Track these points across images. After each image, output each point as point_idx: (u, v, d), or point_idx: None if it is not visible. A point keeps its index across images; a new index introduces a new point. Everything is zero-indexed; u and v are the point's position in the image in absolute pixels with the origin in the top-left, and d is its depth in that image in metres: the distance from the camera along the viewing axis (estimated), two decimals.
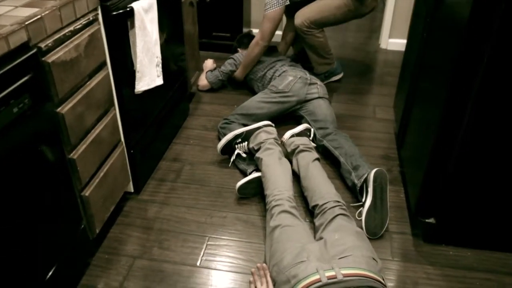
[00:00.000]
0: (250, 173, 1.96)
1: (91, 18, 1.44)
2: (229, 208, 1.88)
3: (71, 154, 1.41)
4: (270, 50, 2.69)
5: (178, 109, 2.37)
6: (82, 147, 1.46)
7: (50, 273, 1.34)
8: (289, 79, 2.33)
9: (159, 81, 1.84)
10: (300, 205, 1.86)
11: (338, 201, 1.67)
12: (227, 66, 2.72)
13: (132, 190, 1.93)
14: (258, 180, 1.90)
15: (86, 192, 1.50)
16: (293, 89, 2.30)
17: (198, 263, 1.63)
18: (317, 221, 1.66)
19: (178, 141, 2.30)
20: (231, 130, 2.13)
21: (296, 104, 2.32)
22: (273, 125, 2.13)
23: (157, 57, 1.80)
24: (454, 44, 1.34)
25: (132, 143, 1.82)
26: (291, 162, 1.97)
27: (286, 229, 1.54)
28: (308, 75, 2.39)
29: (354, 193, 1.89)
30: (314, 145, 2.12)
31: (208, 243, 1.72)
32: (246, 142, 2.07)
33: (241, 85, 2.80)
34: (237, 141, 2.07)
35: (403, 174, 2.03)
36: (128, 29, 1.63)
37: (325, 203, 1.66)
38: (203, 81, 2.73)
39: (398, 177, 2.05)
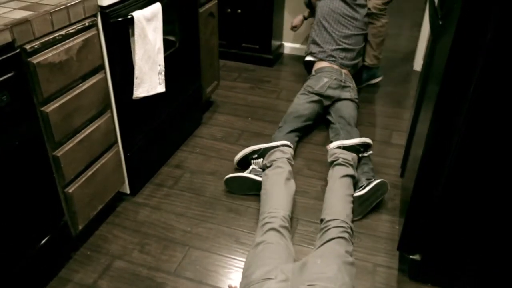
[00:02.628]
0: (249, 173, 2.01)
1: (87, 24, 1.50)
2: (217, 221, 1.88)
3: (55, 152, 1.48)
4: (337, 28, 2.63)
5: (190, 117, 2.41)
6: (68, 145, 1.52)
7: (25, 261, 1.40)
8: (325, 81, 2.45)
9: (161, 88, 1.88)
10: (302, 228, 1.84)
11: (345, 223, 1.64)
12: None
13: (128, 192, 1.97)
14: (250, 181, 1.97)
15: (70, 189, 1.56)
16: (327, 92, 2.44)
17: (173, 271, 1.64)
18: (318, 238, 1.66)
19: (184, 148, 2.34)
20: (276, 139, 2.21)
21: (332, 102, 2.46)
22: (291, 146, 2.14)
23: (159, 65, 1.84)
24: (441, 71, 1.27)
25: (129, 146, 1.87)
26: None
27: (269, 246, 1.53)
28: (343, 77, 2.50)
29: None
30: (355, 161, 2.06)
31: (188, 253, 1.72)
32: (262, 159, 2.09)
33: (257, 99, 2.80)
34: (254, 156, 2.11)
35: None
36: (129, 36, 1.69)
37: (331, 220, 1.66)
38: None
39: (398, 207, 1.95)
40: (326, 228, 1.64)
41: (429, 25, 1.75)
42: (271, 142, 2.17)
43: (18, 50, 1.25)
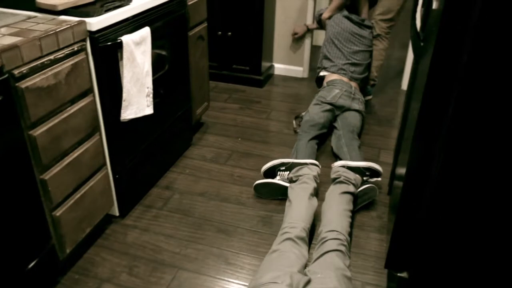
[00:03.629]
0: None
1: (76, 48, 1.53)
2: (206, 242, 1.88)
3: (43, 175, 1.48)
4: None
5: (180, 139, 2.42)
6: (56, 168, 1.53)
7: (11, 287, 1.39)
8: (336, 92, 2.63)
9: (149, 110, 1.90)
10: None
11: (343, 235, 1.69)
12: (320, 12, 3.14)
13: (117, 214, 1.97)
14: (278, 186, 2.10)
15: (58, 213, 1.56)
16: (339, 101, 2.61)
17: None
18: (315, 250, 1.69)
19: (174, 170, 2.35)
20: (298, 146, 2.37)
21: (342, 110, 2.62)
22: (319, 166, 2.20)
23: (147, 88, 1.87)
24: (422, 91, 1.30)
25: (118, 168, 1.88)
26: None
27: (283, 254, 1.60)
28: (353, 89, 2.67)
29: None
30: (358, 183, 2.10)
31: (177, 275, 1.71)
32: (288, 172, 2.17)
33: (247, 119, 2.83)
34: (281, 169, 2.19)
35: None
36: (118, 59, 1.72)
37: (328, 232, 1.71)
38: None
39: (386, 225, 1.96)
40: (324, 240, 1.68)
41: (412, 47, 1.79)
42: (293, 151, 2.37)
43: (6, 76, 1.27)
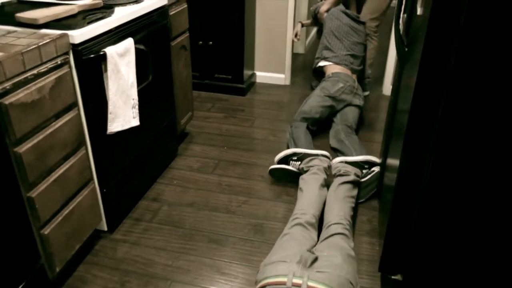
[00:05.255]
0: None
1: (59, 62, 1.50)
2: (198, 252, 1.85)
3: (30, 193, 1.44)
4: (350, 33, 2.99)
5: (165, 149, 2.40)
6: (43, 185, 1.49)
7: None
8: (340, 85, 2.75)
9: (135, 122, 1.88)
10: None
11: (346, 220, 1.78)
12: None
13: (106, 229, 1.93)
14: (290, 172, 2.27)
15: (46, 231, 1.52)
16: (341, 96, 2.73)
17: None
18: (321, 234, 1.77)
19: (161, 181, 2.32)
20: (297, 134, 2.52)
21: (343, 106, 2.74)
22: (330, 157, 2.31)
23: (133, 99, 1.85)
24: (409, 96, 1.32)
25: (106, 182, 1.84)
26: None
27: (292, 237, 1.69)
28: (356, 84, 2.82)
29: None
30: (357, 175, 2.18)
31: (170, 287, 1.69)
32: (299, 162, 2.27)
33: (232, 128, 2.83)
34: (294, 158, 2.31)
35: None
36: (102, 72, 1.69)
37: (331, 218, 1.80)
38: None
39: (377, 228, 1.97)
40: (328, 225, 1.77)
41: (395, 51, 1.82)
42: (289, 139, 2.55)
43: None
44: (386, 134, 1.89)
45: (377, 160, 2.24)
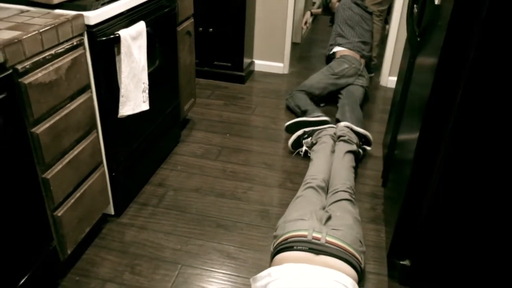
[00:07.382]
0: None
1: (75, 43, 1.49)
2: (206, 237, 1.87)
3: (45, 174, 1.43)
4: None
5: (169, 135, 2.40)
6: (58, 167, 1.48)
7: None
8: (345, 66, 2.98)
9: (145, 106, 1.87)
10: None
11: (351, 189, 1.91)
12: None
13: (113, 213, 1.93)
14: (306, 121, 2.53)
15: (59, 212, 1.52)
16: (345, 75, 2.96)
17: None
18: (328, 198, 1.89)
19: (165, 166, 2.32)
20: (296, 99, 2.82)
21: (345, 85, 2.96)
22: (335, 126, 2.48)
23: (144, 83, 1.84)
24: (428, 84, 1.35)
25: (114, 166, 1.84)
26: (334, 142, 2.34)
27: (305, 198, 1.84)
28: (361, 67, 3.03)
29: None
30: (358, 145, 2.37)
31: (180, 271, 1.70)
32: (310, 138, 2.45)
33: (232, 115, 2.83)
34: (305, 137, 2.46)
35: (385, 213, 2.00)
36: (115, 54, 1.68)
37: (339, 184, 1.92)
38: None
39: (381, 216, 2.02)
40: (335, 191, 1.88)
41: (407, 42, 1.85)
42: (292, 106, 2.87)
43: (10, 71, 1.22)
44: (395, 124, 1.92)
45: (371, 139, 2.47)
